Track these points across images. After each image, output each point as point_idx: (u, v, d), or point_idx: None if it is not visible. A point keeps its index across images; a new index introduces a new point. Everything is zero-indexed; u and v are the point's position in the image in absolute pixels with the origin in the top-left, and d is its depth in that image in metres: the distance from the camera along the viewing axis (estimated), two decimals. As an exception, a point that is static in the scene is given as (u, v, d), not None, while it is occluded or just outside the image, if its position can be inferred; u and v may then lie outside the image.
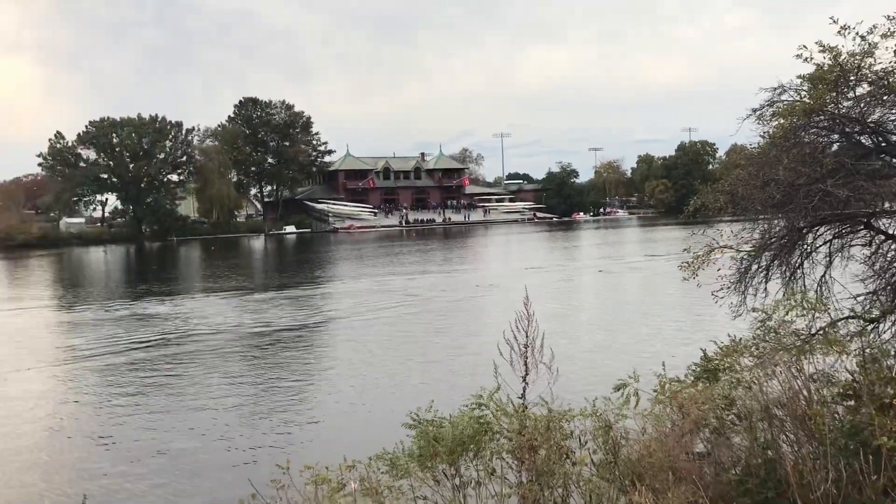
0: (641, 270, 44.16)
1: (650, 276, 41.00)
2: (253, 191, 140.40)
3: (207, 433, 14.45)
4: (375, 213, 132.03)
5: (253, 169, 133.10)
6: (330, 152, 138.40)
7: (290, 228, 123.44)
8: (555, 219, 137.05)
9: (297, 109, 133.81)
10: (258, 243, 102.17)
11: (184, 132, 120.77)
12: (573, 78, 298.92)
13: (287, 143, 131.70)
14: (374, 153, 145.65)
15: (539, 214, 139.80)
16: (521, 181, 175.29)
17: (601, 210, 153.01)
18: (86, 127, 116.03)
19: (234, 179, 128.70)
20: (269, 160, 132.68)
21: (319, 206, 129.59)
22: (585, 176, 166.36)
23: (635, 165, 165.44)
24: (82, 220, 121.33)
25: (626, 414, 6.20)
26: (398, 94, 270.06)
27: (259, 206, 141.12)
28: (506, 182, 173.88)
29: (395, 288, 38.56)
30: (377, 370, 19.81)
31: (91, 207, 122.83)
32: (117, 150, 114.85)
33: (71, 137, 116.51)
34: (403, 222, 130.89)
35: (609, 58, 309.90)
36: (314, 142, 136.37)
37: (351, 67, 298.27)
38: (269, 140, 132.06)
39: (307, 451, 12.22)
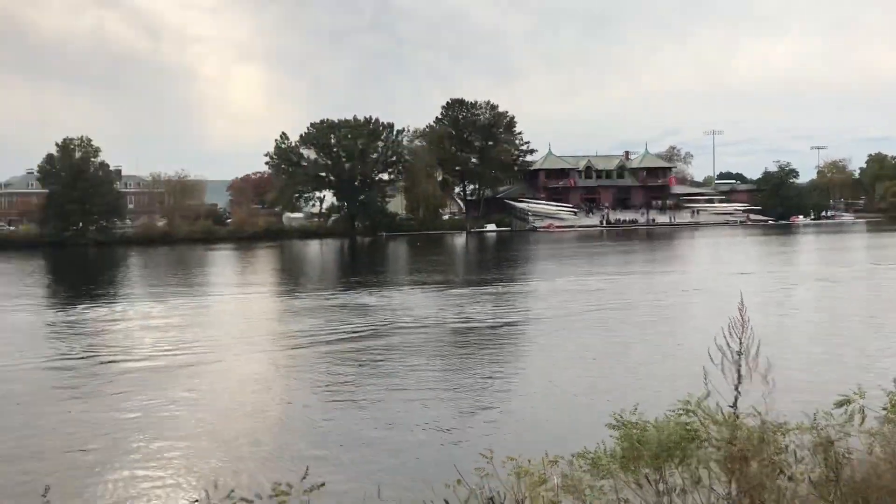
0: (870, 280, 40.35)
1: (880, 287, 37.37)
2: (456, 189, 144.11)
3: (416, 421, 15.14)
4: (576, 213, 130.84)
5: (457, 168, 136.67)
6: (532, 151, 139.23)
7: (491, 227, 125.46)
8: (771, 221, 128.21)
9: (501, 109, 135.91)
10: (460, 240, 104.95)
11: (395, 133, 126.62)
12: (794, 72, 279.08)
13: (490, 143, 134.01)
14: (576, 152, 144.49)
15: (753, 217, 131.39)
16: (733, 181, 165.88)
17: (823, 213, 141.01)
18: (307, 128, 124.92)
19: (440, 178, 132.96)
20: (473, 160, 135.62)
21: (520, 205, 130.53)
22: (806, 176, 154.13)
23: (864, 165, 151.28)
24: (302, 214, 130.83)
25: (850, 431, 5.76)
26: (603, 92, 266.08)
27: (462, 204, 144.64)
28: (717, 182, 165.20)
29: (596, 288, 38.11)
30: (578, 370, 19.72)
31: (310, 203, 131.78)
32: (335, 150, 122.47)
33: (294, 138, 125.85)
34: (604, 222, 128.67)
35: (836, 49, 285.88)
36: (517, 141, 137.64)
37: (556, 66, 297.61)
38: (473, 140, 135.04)
39: (509, 442, 12.46)
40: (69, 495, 11.19)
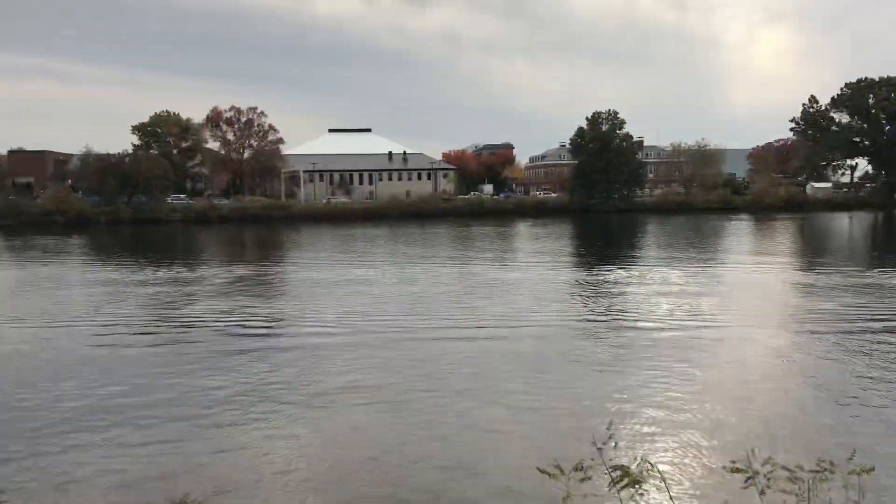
0: None
1: None
2: None
3: None
4: None
5: None
6: None
7: None
8: None
9: None
10: None
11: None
12: None
13: None
14: None
15: None
16: None
17: None
18: (841, 89, 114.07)
19: None
20: None
21: None
22: None
23: None
24: (829, 185, 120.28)
25: None
26: None
27: None
28: None
29: None
30: None
31: (839, 172, 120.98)
32: (873, 111, 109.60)
33: (825, 101, 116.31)
34: None
35: None
36: None
37: None
38: None
39: None
40: (622, 438, 11.93)
